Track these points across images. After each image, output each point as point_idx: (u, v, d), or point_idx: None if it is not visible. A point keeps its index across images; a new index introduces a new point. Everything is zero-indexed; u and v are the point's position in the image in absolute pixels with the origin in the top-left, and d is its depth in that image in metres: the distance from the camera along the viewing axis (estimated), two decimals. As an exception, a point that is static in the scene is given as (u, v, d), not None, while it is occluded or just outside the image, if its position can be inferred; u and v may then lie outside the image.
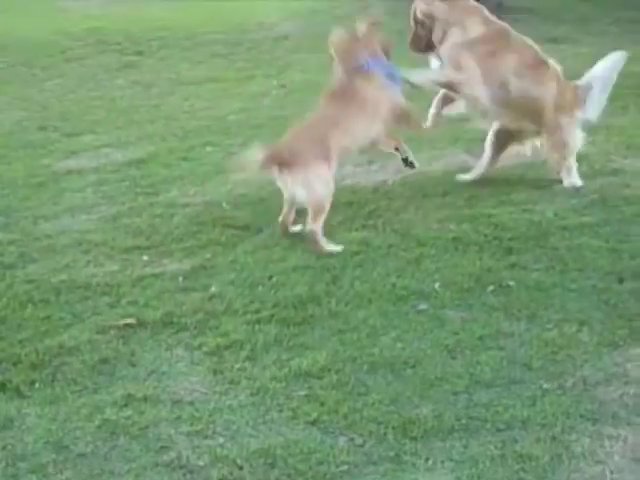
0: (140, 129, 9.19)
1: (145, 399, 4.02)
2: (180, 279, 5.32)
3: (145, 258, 5.68)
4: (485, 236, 5.71)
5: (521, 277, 5.15)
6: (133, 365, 4.37)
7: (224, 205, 6.61)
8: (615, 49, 13.04)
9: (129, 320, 4.78)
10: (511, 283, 5.06)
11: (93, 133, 9.14)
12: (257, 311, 4.84)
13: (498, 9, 16.11)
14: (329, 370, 4.19)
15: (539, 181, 6.73)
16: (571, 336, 4.46)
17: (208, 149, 8.25)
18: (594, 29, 15.23)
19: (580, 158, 7.09)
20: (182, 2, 20.12)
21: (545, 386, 4.02)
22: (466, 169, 7.04)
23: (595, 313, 4.70)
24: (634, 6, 17.14)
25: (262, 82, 11.52)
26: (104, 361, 4.39)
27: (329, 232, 5.87)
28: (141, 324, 4.76)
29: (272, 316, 4.76)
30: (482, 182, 6.78)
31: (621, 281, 5.03)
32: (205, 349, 4.47)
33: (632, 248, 5.46)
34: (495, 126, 6.79)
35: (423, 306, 4.83)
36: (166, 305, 4.97)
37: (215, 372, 4.25)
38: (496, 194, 6.51)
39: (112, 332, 4.67)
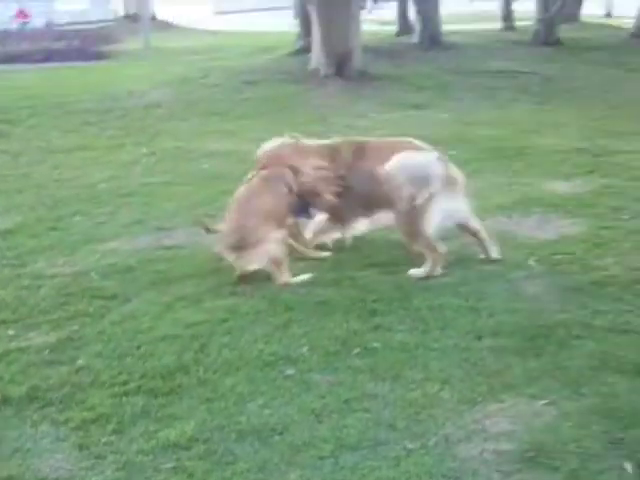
0: (8, 199, 8.99)
1: (9, 478, 3.87)
2: (46, 352, 5.16)
3: (11, 332, 5.50)
4: (350, 299, 5.75)
5: (386, 338, 5.18)
6: (-4, 444, 4.21)
7: (92, 275, 6.49)
8: (472, 113, 13.58)
9: (-7, 397, 4.62)
10: (376, 345, 5.09)
11: (-41, 203, 8.90)
12: (125, 383, 4.73)
13: (361, 77, 16.54)
14: (197, 440, 4.12)
15: (400, 243, 6.82)
16: (433, 395, 4.51)
17: (77, 218, 8.11)
18: (453, 95, 15.70)
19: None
20: (52, 71, 19.96)
21: (409, 446, 4.04)
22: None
23: (456, 371, 4.76)
24: (486, 74, 17.80)
25: (132, 150, 11.44)
26: (-34, 441, 4.22)
27: (197, 299, 5.84)
28: (5, 400, 4.60)
29: (140, 387, 4.67)
30: (345, 246, 6.84)
31: (480, 339, 5.11)
32: (71, 424, 4.34)
33: (489, 306, 5.57)
34: None
35: (290, 371, 4.80)
36: (32, 379, 4.81)
37: (81, 447, 4.13)
38: (360, 257, 6.58)
39: (-25, 410, 4.50)
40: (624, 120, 13.19)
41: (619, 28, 27.35)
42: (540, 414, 4.30)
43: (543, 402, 4.42)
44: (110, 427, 4.28)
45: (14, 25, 33.00)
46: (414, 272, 6.18)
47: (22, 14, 34.62)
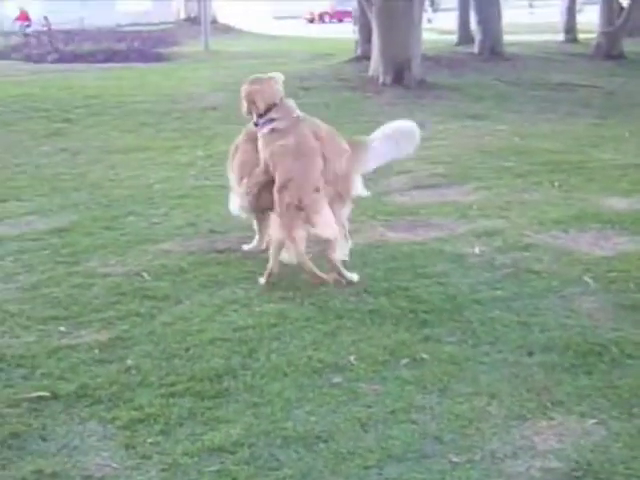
0: (64, 197, 9.11)
1: (54, 475, 3.90)
2: (96, 350, 5.21)
3: (62, 329, 5.56)
4: (401, 309, 5.73)
5: (434, 350, 5.16)
6: (44, 439, 4.24)
7: (144, 275, 6.54)
8: (531, 125, 13.49)
9: (42, 393, 4.67)
10: (425, 356, 5.06)
11: (17, 200, 9.05)
12: (172, 384, 4.75)
13: (420, 86, 16.52)
14: (242, 444, 4.13)
15: (454, 254, 6.79)
16: (481, 409, 4.47)
17: (131, 218, 8.19)
18: (511, 107, 15.62)
19: (495, 232, 7.26)
20: (112, 72, 20.20)
21: (455, 460, 4.01)
22: (384, 242, 7.13)
23: (505, 386, 4.72)
24: (546, 87, 17.67)
25: (188, 152, 11.56)
26: (14, 435, 4.26)
27: (247, 303, 5.86)
28: (55, 397, 4.64)
29: (187, 389, 4.69)
30: (399, 255, 6.83)
31: (530, 354, 5.06)
32: (118, 423, 4.37)
33: (542, 322, 5.51)
34: None
35: (338, 379, 4.80)
36: (81, 377, 4.85)
37: (127, 447, 4.15)
38: (412, 267, 6.55)
39: (24, 405, 4.54)
40: (686, 137, 13.02)
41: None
42: (589, 433, 4.25)
43: (593, 421, 4.36)
44: (157, 428, 4.30)
45: (16, 27, 33.59)
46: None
47: (23, 17, 35.18)
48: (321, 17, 51.53)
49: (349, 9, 33.96)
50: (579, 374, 4.84)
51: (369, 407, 4.50)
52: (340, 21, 44.97)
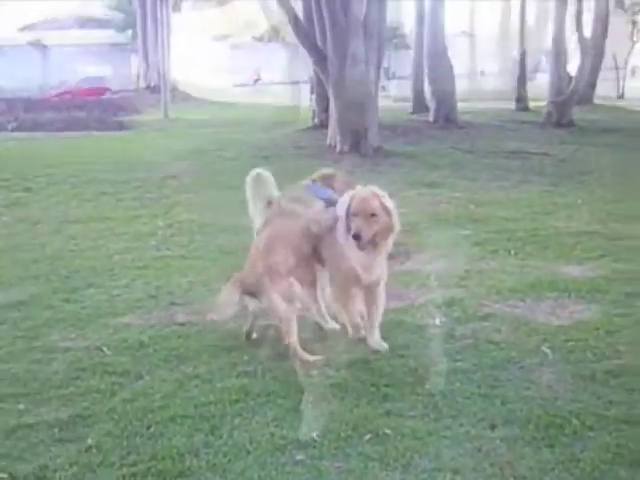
0: (24, 269, 8.98)
1: None
2: (56, 429, 5.10)
3: (21, 407, 5.43)
4: (362, 382, 5.68)
5: (397, 425, 5.10)
6: (2, 524, 4.13)
7: (105, 350, 6.43)
8: (485, 193, 13.60)
9: (0, 475, 4.54)
10: (387, 431, 5.00)
11: (-25, 273, 8.90)
12: (134, 464, 4.65)
13: (376, 154, 16.64)
14: (204, 527, 4.04)
15: (414, 325, 6.77)
16: (440, 492, 4.43)
17: (91, 290, 8.08)
18: (466, 174, 15.76)
19: (454, 302, 7.26)
20: (73, 140, 20.14)
21: None
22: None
23: (468, 461, 4.67)
24: (500, 154, 17.89)
25: (148, 221, 11.48)
26: (-29, 521, 4.14)
27: (209, 378, 5.78)
28: (13, 479, 4.53)
29: (149, 469, 4.58)
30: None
31: (492, 428, 5.02)
32: (79, 506, 4.27)
33: (502, 393, 5.48)
34: None
35: (301, 456, 4.72)
36: (40, 458, 4.73)
37: (88, 531, 4.05)
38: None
39: (-19, 489, 4.43)
40: (637, 203, 13.18)
41: (631, 111, 27.56)
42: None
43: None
44: (118, 510, 4.21)
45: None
46: None
47: None
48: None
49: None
50: (541, 447, 4.81)
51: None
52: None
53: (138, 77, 37.06)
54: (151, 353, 6.33)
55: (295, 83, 37.25)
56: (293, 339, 6.08)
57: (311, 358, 6.06)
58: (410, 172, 15.68)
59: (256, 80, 48.49)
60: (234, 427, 5.07)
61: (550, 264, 9.11)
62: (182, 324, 6.94)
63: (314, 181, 6.88)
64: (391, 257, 9.33)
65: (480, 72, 48.20)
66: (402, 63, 33.78)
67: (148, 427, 5.10)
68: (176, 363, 6.16)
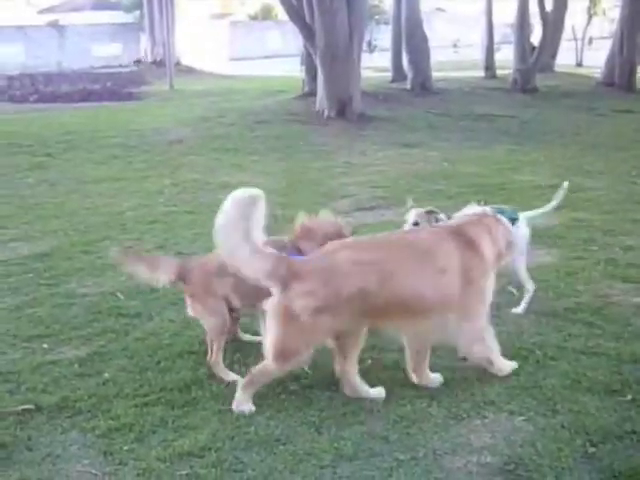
0: (45, 224, 8.92)
1: (39, 482, 3.79)
2: (76, 365, 5.10)
3: (45, 346, 5.43)
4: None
5: (380, 357, 5.12)
6: (30, 449, 4.13)
7: (119, 295, 6.42)
8: (458, 151, 13.55)
9: (27, 406, 4.54)
10: (370, 363, 5.01)
11: (2, 228, 8.84)
12: (146, 395, 4.66)
13: (360, 119, 16.53)
14: (210, 449, 4.04)
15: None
16: (422, 410, 4.43)
17: (106, 243, 8.04)
18: (441, 136, 15.67)
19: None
20: (88, 110, 19.95)
21: (401, 457, 3.96)
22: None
23: (443, 389, 4.69)
24: (470, 117, 17.81)
25: (156, 181, 11.40)
26: (1, 446, 4.13)
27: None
28: (39, 409, 4.53)
29: (159, 399, 4.60)
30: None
31: (465, 359, 4.99)
32: (97, 432, 4.26)
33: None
34: None
35: (294, 387, 4.73)
36: (63, 390, 4.74)
37: (105, 454, 4.05)
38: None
39: (11, 418, 4.42)
40: (593, 159, 13.16)
41: (588, 77, 27.38)
42: (519, 429, 4.22)
43: (521, 418, 4.34)
44: (132, 435, 4.21)
45: None
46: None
47: None
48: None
49: None
50: (508, 376, 4.82)
51: (322, 411, 4.44)
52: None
53: (146, 53, 36.60)
54: (160, 297, 6.31)
55: (286, 56, 36.96)
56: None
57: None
58: (390, 134, 15.58)
59: None
60: (234, 361, 5.09)
61: (516, 214, 9.07)
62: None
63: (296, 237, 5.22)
64: (372, 208, 9.43)
65: (453, 44, 47.82)
66: (383, 37, 33.42)
67: (158, 362, 5.11)
68: (182, 305, 6.04)
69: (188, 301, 5.10)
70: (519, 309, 5.92)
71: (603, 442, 4.06)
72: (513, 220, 5.59)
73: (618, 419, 4.31)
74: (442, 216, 5.65)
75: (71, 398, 4.64)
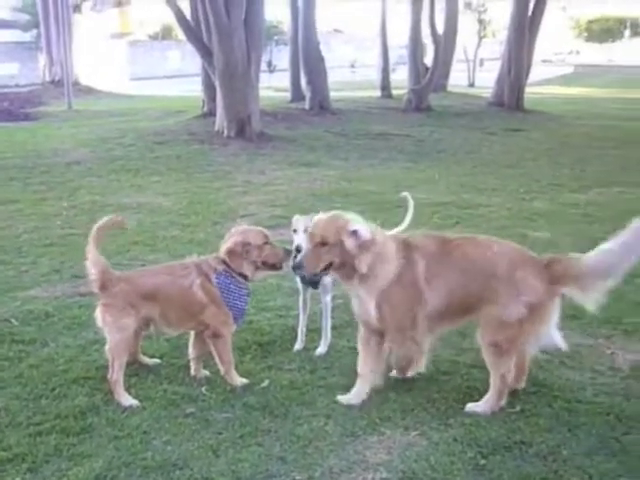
0: (-63, 249, 8.59)
1: None
2: (-33, 395, 4.91)
3: None
4: (246, 341, 5.64)
5: (277, 377, 5.09)
6: None
7: (12, 321, 6.21)
8: (355, 170, 13.63)
9: None
10: (268, 383, 4.99)
11: None
12: (39, 423, 4.51)
13: (259, 138, 16.52)
14: (105, 477, 3.95)
15: (291, 289, 6.73)
16: (319, 429, 4.43)
17: (0, 267, 7.78)
18: (339, 155, 15.79)
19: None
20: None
21: (297, 477, 3.96)
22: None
23: (339, 407, 4.69)
24: (368, 136, 18.01)
25: (54, 203, 11.12)
26: None
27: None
28: None
29: (53, 427, 4.45)
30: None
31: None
32: (-13, 464, 4.10)
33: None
34: None
35: (191, 409, 4.66)
36: (-49, 422, 4.55)
37: (-4, 487, 3.91)
38: (256, 302, 6.44)
39: None
40: (485, 177, 13.48)
41: (479, 97, 28.05)
42: (413, 444, 4.26)
43: (415, 433, 4.38)
44: (24, 466, 4.07)
45: None
46: None
47: None
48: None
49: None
50: (403, 392, 4.87)
51: (220, 434, 4.39)
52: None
53: (44, 72, 35.78)
54: (56, 322, 6.16)
55: (186, 76, 36.71)
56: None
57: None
58: (289, 154, 15.61)
59: None
60: (131, 385, 4.97)
61: (412, 232, 9.19)
62: (83, 295, 6.72)
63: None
64: (271, 227, 9.39)
65: (350, 65, 48.37)
66: (282, 57, 33.57)
67: (52, 389, 4.96)
68: (79, 330, 6.01)
69: (100, 309, 4.94)
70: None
71: (493, 453, 4.14)
72: None
73: (507, 430, 4.40)
74: None
75: (-40, 430, 4.46)
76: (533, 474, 3.95)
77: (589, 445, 4.26)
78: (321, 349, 5.55)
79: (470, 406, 4.65)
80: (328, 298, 5.61)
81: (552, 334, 4.66)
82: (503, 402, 4.65)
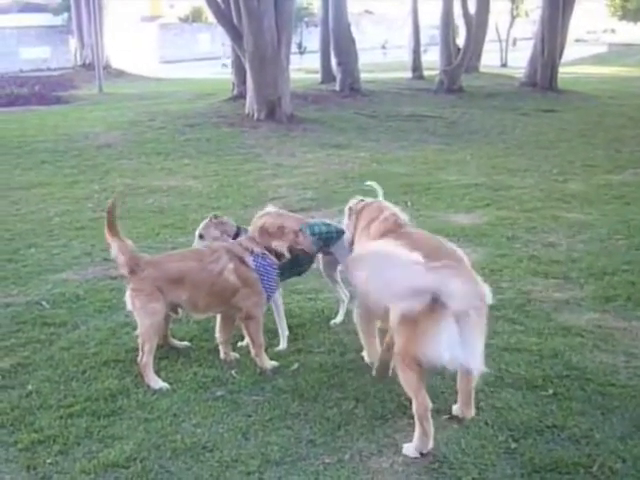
0: (-31, 233, 8.68)
1: (-42, 501, 3.67)
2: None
3: (-34, 358, 5.27)
4: (274, 324, 5.62)
5: (307, 360, 5.08)
6: (-50, 466, 3.99)
7: (44, 304, 6.26)
8: (386, 152, 13.58)
9: (-52, 420, 4.39)
10: (297, 366, 4.98)
11: None
12: (70, 405, 4.53)
13: (290, 120, 16.48)
14: (135, 459, 3.95)
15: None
16: (349, 412, 4.40)
17: (32, 250, 7.86)
18: (369, 136, 15.72)
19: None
20: (15, 115, 19.51)
21: (327, 460, 3.93)
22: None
23: (369, 389, 4.67)
24: (398, 118, 17.89)
25: (85, 186, 11.20)
26: None
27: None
28: (-40, 424, 4.38)
29: (84, 409, 4.48)
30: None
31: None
32: (20, 445, 4.13)
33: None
34: None
35: (221, 392, 4.66)
36: (-16, 404, 4.60)
37: (29, 468, 3.93)
38: (284, 285, 6.39)
39: None
40: (517, 158, 13.36)
41: (512, 77, 27.79)
42: (444, 428, 4.22)
43: (446, 416, 4.35)
44: (56, 448, 4.09)
45: None
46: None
47: None
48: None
49: None
50: (433, 375, 4.79)
51: (249, 416, 4.38)
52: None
53: (75, 56, 35.95)
54: (87, 305, 6.20)
55: (216, 58, 36.70)
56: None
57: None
58: (320, 136, 15.57)
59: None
60: (161, 369, 4.98)
61: (442, 213, 9.18)
62: (114, 278, 6.76)
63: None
64: (302, 210, 9.38)
65: (381, 46, 48.13)
66: (312, 39, 33.42)
67: (83, 372, 4.98)
68: (109, 313, 6.04)
69: (129, 294, 4.93)
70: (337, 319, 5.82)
71: (525, 437, 4.10)
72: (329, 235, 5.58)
73: (539, 414, 4.35)
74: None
75: (-7, 411, 4.51)
76: (565, 458, 3.90)
77: (622, 429, 4.20)
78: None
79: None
80: None
81: None
82: None
